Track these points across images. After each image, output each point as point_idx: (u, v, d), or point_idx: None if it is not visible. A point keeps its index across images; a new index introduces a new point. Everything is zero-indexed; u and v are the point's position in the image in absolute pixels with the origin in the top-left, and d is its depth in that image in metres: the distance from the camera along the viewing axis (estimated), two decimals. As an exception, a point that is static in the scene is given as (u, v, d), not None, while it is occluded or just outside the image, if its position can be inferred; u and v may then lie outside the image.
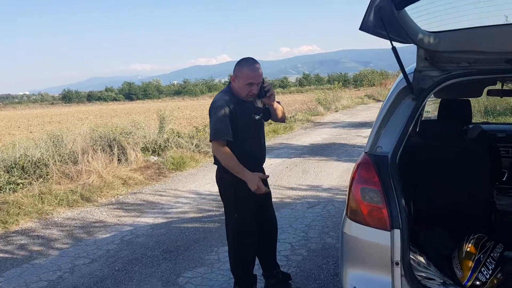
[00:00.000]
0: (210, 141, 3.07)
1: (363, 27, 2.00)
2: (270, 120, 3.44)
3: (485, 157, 2.64)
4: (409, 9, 2.13)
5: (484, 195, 2.69)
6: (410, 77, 2.38)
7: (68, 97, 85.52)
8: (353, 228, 2.24)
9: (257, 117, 3.19)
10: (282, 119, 3.41)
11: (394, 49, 2.13)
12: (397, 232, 2.11)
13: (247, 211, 3.14)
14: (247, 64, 2.99)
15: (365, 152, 2.35)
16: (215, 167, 3.25)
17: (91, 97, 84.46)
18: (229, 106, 2.98)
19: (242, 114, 3.06)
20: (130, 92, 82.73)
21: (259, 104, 3.22)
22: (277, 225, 3.52)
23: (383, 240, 2.11)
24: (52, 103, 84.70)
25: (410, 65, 2.58)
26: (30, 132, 17.21)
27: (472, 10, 2.16)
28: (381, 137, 2.35)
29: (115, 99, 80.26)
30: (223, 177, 3.16)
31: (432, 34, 2.39)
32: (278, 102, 3.33)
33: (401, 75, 2.39)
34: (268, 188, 3.44)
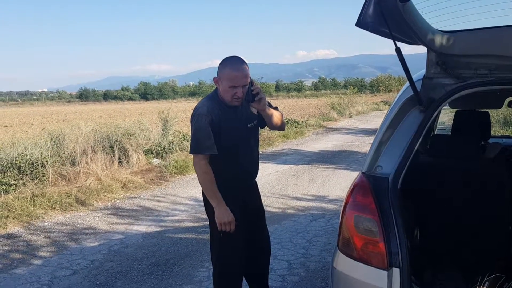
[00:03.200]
0: (190, 153, 2.72)
1: (361, 23, 1.64)
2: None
3: (505, 181, 2.24)
4: (417, 3, 1.74)
5: (502, 225, 2.29)
6: (418, 85, 2.00)
7: (85, 96, 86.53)
8: (344, 264, 1.87)
9: (250, 125, 2.82)
10: (280, 127, 2.98)
11: (398, 50, 1.75)
12: (396, 271, 1.74)
13: (234, 233, 2.77)
14: (230, 63, 2.61)
15: (363, 173, 1.98)
16: None
17: (107, 96, 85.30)
18: (211, 114, 2.63)
19: (230, 122, 2.70)
20: (146, 92, 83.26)
21: (253, 109, 2.85)
22: (270, 248, 3.16)
23: (379, 281, 1.74)
24: (69, 101, 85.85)
25: (420, 71, 2.20)
26: (42, 129, 17.15)
27: (494, 5, 1.76)
28: (381, 155, 1.98)
29: (130, 99, 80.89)
30: None
31: (445, 34, 1.97)
32: (276, 108, 2.95)
33: (407, 83, 2.01)
34: (262, 207, 3.10)
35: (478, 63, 1.98)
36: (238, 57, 2.65)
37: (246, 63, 2.63)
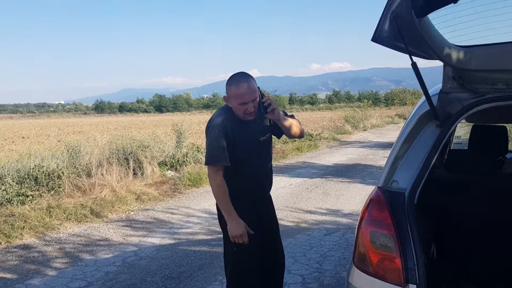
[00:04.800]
0: (205, 165, 2.74)
1: (377, 38, 1.64)
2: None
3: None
4: (434, 18, 1.75)
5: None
6: (435, 100, 1.99)
7: (100, 108, 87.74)
8: (360, 279, 1.85)
9: (262, 138, 2.82)
10: (299, 135, 2.93)
11: (414, 65, 1.75)
12: None
13: (249, 246, 2.75)
14: (235, 81, 2.62)
15: (378, 187, 1.97)
16: None
17: (122, 108, 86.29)
18: (225, 126, 2.64)
19: (244, 135, 2.71)
20: (161, 105, 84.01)
21: (267, 121, 2.85)
22: (284, 262, 3.13)
23: (395, 298, 1.72)
24: (85, 113, 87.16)
25: (436, 86, 2.19)
26: (59, 141, 17.41)
27: (510, 21, 1.76)
28: (398, 170, 1.97)
29: (145, 111, 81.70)
30: None
31: (461, 49, 1.98)
32: (292, 116, 2.93)
33: (423, 97, 2.01)
34: (276, 220, 3.08)
35: (495, 78, 1.97)
36: (243, 73, 2.66)
37: (252, 78, 2.63)
